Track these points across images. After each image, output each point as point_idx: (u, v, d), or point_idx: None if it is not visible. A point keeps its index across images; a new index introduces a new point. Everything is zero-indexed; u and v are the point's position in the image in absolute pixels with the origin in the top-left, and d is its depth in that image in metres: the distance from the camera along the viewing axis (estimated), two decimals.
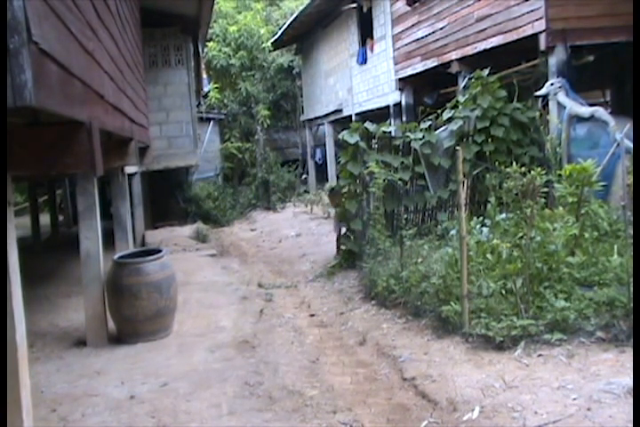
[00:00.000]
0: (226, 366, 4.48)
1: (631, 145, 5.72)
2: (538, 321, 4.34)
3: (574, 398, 3.43)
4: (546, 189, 5.03)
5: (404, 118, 11.07)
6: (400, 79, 11.12)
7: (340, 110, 15.38)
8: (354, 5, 13.49)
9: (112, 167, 6.44)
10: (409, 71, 10.66)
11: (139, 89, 7.57)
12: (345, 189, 7.90)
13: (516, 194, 4.78)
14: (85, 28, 3.30)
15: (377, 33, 12.83)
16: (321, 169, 18.31)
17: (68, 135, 3.09)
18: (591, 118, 6.53)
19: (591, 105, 6.91)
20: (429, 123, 7.87)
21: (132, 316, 5.11)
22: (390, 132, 7.88)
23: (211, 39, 17.88)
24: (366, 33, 13.49)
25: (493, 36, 7.93)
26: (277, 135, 20.48)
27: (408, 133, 7.76)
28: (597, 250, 5.14)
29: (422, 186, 7.82)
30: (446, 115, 7.90)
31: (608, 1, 6.90)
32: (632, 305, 4.11)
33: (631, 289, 4.12)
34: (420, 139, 7.62)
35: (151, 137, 10.03)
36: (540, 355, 4.10)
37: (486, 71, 7.66)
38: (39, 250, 10.72)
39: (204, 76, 17.35)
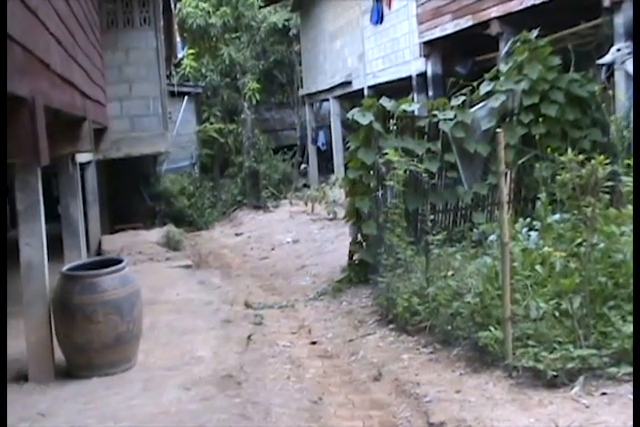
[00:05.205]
0: (204, 408, 4.48)
1: None
2: (601, 351, 4.34)
3: None
4: (611, 183, 5.03)
5: (430, 93, 11.08)
6: (425, 43, 11.13)
7: (348, 82, 15.39)
8: None
9: (60, 155, 6.46)
10: (437, 33, 10.66)
11: (94, 56, 7.60)
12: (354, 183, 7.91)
13: (573, 189, 4.77)
14: None
15: None
16: (324, 157, 18.35)
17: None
18: None
19: None
20: (463, 99, 7.88)
21: (85, 343, 5.11)
22: (413, 111, 7.90)
23: None
24: None
25: None
26: (269, 114, 20.54)
27: (435, 112, 7.76)
28: None
29: (453, 179, 7.83)
30: (484, 88, 7.90)
31: None
32: None
33: None
34: (451, 119, 7.62)
35: (110, 116, 10.07)
36: (603, 393, 4.10)
37: (535, 33, 7.66)
38: None
39: (177, 39, 17.38)
